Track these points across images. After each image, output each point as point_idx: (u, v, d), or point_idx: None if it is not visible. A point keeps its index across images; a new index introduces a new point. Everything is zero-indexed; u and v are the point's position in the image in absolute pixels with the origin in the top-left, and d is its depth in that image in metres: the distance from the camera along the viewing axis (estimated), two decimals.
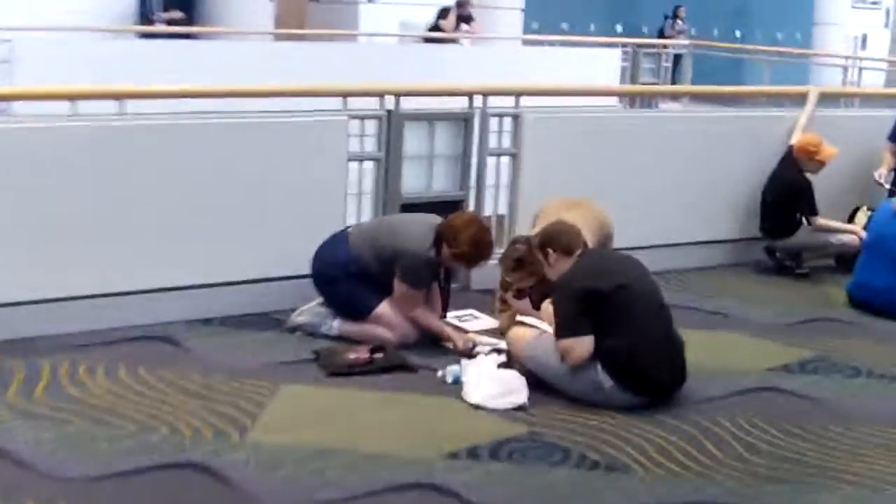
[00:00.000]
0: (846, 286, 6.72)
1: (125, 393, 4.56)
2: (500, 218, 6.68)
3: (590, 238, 5.36)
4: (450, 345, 5.33)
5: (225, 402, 4.49)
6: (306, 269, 5.53)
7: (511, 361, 4.91)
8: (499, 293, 5.75)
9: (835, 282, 7.14)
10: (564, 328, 4.65)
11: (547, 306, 4.88)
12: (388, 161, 6.19)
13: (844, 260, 7.36)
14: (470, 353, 5.22)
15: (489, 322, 5.82)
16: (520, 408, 4.60)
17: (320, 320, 5.45)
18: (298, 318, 5.49)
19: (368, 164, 6.21)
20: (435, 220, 5.39)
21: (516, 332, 4.98)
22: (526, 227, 6.08)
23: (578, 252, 4.84)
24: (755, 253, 7.53)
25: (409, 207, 6.17)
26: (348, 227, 5.64)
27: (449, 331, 5.40)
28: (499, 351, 5.15)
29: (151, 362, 4.91)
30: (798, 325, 6.21)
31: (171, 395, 4.56)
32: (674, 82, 16.85)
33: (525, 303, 5.44)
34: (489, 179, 6.61)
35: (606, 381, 4.62)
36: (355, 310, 5.38)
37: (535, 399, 4.66)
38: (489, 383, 4.66)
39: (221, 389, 4.64)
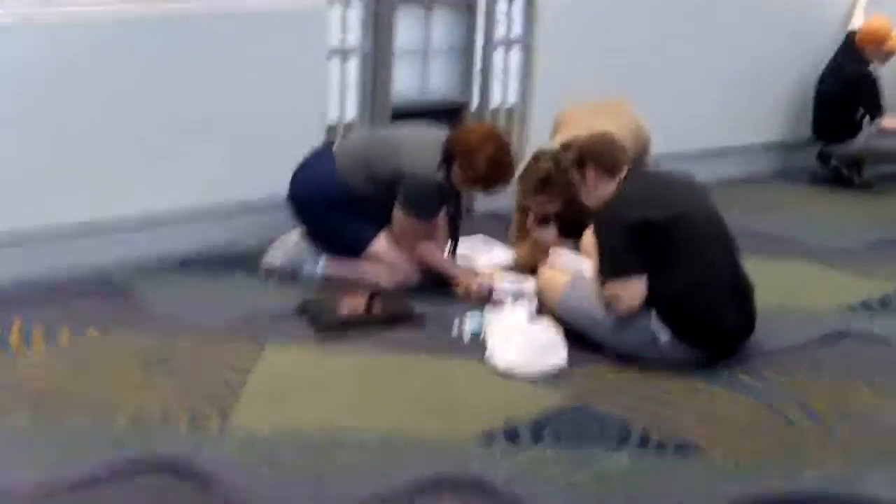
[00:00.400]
0: None
1: (72, 366, 4.14)
2: (510, 113, 6.26)
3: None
4: (460, 289, 4.95)
5: (197, 374, 4.09)
6: (281, 194, 5.10)
7: (543, 310, 4.53)
8: (516, 218, 5.36)
9: None
10: (611, 269, 4.27)
11: (589, 239, 4.49)
12: (376, 57, 5.72)
13: None
14: (487, 299, 4.85)
15: (503, 254, 5.44)
16: (559, 371, 4.24)
17: (302, 259, 5.05)
18: (276, 256, 5.07)
19: (352, 62, 5.74)
20: (440, 133, 4.96)
21: (548, 275, 4.59)
22: (541, 129, 5.73)
23: (624, 172, 4.44)
24: (806, 159, 7.18)
25: (402, 114, 5.74)
26: (332, 141, 5.19)
27: (460, 271, 5.00)
28: (522, 295, 4.78)
29: (100, 321, 4.49)
30: (869, 249, 5.88)
31: (129, 366, 4.15)
32: None
33: (550, 232, 5.07)
34: (497, 79, 6.17)
35: (663, 333, 4.26)
36: (346, 245, 4.98)
37: (575, 358, 4.29)
38: (519, 342, 4.28)
39: (191, 356, 4.23)
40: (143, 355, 4.21)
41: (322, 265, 5.02)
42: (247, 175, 5.32)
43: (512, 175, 4.93)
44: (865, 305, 5.06)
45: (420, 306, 4.75)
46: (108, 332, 4.40)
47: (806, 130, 7.08)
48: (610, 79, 6.12)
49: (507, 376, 4.19)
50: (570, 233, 5.09)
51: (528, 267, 5.19)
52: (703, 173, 6.32)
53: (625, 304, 4.24)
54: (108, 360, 4.19)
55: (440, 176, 4.81)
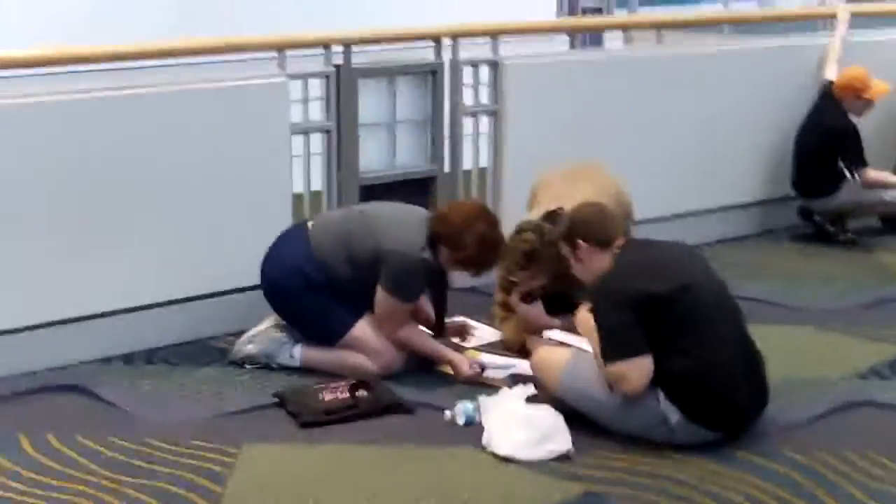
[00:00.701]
0: None
1: (33, 477, 3.78)
2: (481, 179, 6.00)
3: None
4: (447, 369, 4.65)
5: (173, 484, 3.73)
6: (253, 279, 4.79)
7: (539, 392, 4.23)
8: (499, 296, 5.07)
9: (891, 248, 6.59)
10: (614, 349, 3.98)
11: (585, 317, 4.21)
12: (341, 132, 5.44)
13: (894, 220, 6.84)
14: (477, 379, 4.55)
15: (488, 332, 5.15)
16: (562, 457, 3.93)
17: (277, 347, 4.71)
18: (248, 346, 4.74)
19: (316, 137, 5.45)
20: (423, 212, 4.70)
21: (543, 354, 4.29)
22: (514, 193, 5.53)
23: (618, 243, 4.17)
24: (787, 216, 6.95)
25: (369, 189, 5.46)
26: (306, 221, 4.89)
27: (448, 352, 4.70)
28: (517, 378, 4.49)
29: (62, 425, 4.13)
30: (866, 309, 5.63)
31: (95, 476, 3.79)
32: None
33: (536, 309, 4.81)
34: (466, 147, 5.90)
35: (672, 413, 3.97)
36: (324, 331, 4.65)
37: (579, 442, 3.98)
38: (519, 427, 3.97)
39: (163, 464, 3.88)
40: (110, 464, 3.85)
41: (299, 353, 4.69)
42: (213, 259, 5.00)
43: (502, 252, 4.65)
44: (875, 372, 4.79)
45: (407, 393, 4.44)
46: (71, 437, 4.04)
47: (785, 187, 6.86)
48: (582, 142, 5.89)
49: (507, 463, 3.88)
50: (558, 308, 4.83)
51: (516, 346, 4.93)
52: (681, 238, 6.14)
53: (632, 384, 3.95)
54: (72, 470, 3.82)
55: (426, 255, 4.51)
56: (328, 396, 4.32)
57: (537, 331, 4.78)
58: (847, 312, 5.53)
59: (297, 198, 5.34)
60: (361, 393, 4.35)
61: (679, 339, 3.95)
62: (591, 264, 4.19)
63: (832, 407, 4.37)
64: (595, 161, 5.38)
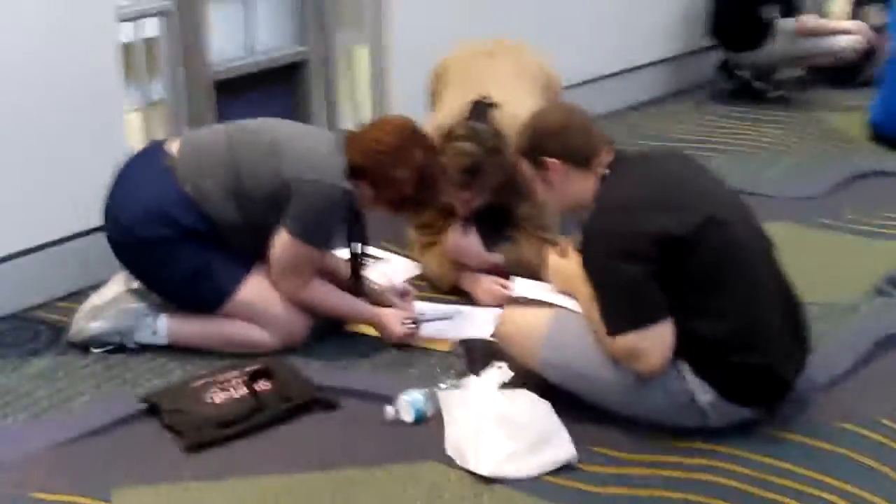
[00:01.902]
0: (869, 114, 5.21)
1: None
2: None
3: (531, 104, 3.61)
4: (367, 329, 3.50)
5: None
6: (85, 222, 3.57)
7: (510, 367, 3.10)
8: (419, 221, 3.92)
9: (827, 105, 5.64)
10: (622, 315, 2.86)
11: (564, 266, 3.09)
12: (183, 14, 4.10)
13: (827, 70, 5.88)
14: (412, 340, 3.42)
15: (402, 266, 4.00)
16: (565, 466, 2.84)
17: (133, 321, 3.44)
18: (93, 322, 3.44)
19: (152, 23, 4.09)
20: (326, 134, 3.54)
21: (514, 318, 3.13)
22: (405, 82, 4.52)
23: (604, 159, 3.03)
24: (703, 70, 5.92)
25: (225, 85, 4.17)
26: (161, 142, 3.57)
27: (372, 309, 3.51)
28: (467, 342, 3.38)
29: None
30: (843, 190, 4.70)
31: None
32: None
33: (472, 238, 3.69)
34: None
35: (702, 391, 2.90)
36: (200, 295, 3.39)
37: (577, 439, 2.89)
38: (500, 431, 2.84)
39: None
40: None
41: (164, 327, 3.43)
42: (29, 207, 3.65)
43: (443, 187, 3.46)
44: (893, 283, 3.82)
45: (322, 375, 3.26)
46: None
47: (698, 39, 5.81)
48: (484, 16, 4.75)
49: (492, 484, 2.76)
50: (492, 232, 3.72)
51: (447, 284, 3.79)
52: (591, 105, 5.07)
53: (649, 361, 2.85)
54: None
55: (348, 186, 3.28)
56: (219, 397, 3.10)
57: (473, 266, 3.68)
58: (822, 198, 4.56)
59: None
60: (263, 385, 3.15)
61: (708, 294, 2.86)
62: (567, 188, 3.06)
63: (867, 350, 3.36)
64: (502, 35, 4.22)
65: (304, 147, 3.30)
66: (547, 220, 3.76)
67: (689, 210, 2.87)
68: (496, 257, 3.74)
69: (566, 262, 3.08)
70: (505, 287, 3.66)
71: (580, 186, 3.03)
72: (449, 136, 3.57)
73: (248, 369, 3.19)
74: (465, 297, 3.75)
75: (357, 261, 3.55)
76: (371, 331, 3.50)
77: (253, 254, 3.37)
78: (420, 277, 3.90)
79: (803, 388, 3.08)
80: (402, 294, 3.64)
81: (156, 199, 3.30)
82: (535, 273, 3.41)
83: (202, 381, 3.16)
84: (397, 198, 3.31)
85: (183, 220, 3.28)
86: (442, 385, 3.10)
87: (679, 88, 5.97)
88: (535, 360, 3.02)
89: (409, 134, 3.34)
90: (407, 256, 4.02)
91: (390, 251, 4.07)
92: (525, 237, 3.80)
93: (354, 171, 3.28)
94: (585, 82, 5.35)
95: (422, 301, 3.70)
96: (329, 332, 3.50)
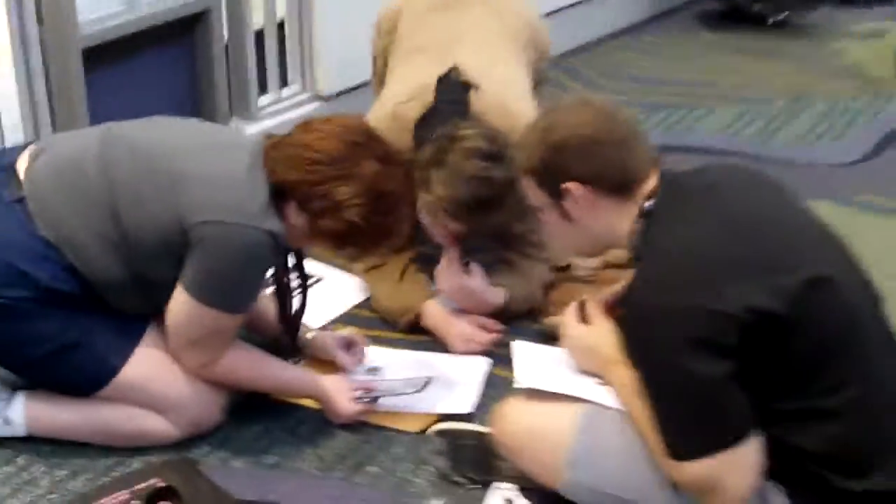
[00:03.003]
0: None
1: None
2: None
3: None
4: (308, 402, 2.55)
5: None
6: None
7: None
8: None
9: (844, 31, 4.71)
10: (692, 435, 1.91)
11: (581, 332, 2.17)
12: None
13: None
14: (366, 417, 2.48)
15: (347, 287, 3.06)
16: None
17: None
18: None
19: None
20: (240, 138, 2.52)
21: (523, 412, 2.17)
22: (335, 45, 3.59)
23: (649, 186, 2.07)
24: None
25: (98, 52, 3.11)
26: (6, 152, 2.55)
27: (314, 380, 2.51)
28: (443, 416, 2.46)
29: None
30: (879, 151, 3.76)
31: None
32: None
33: (475, 278, 2.76)
34: None
35: (778, 497, 1.97)
36: (73, 375, 2.37)
37: None
38: None
39: None
40: None
41: (21, 414, 2.43)
42: None
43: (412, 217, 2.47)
44: None
45: (250, 484, 2.31)
46: None
47: None
48: None
49: None
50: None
51: (404, 324, 2.86)
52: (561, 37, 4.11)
53: (729, 492, 1.92)
54: None
55: (272, 226, 2.27)
56: None
57: (474, 312, 2.78)
58: (863, 164, 3.64)
59: None
60: None
61: (810, 390, 1.93)
62: (593, 224, 2.12)
63: None
64: None
65: (210, 171, 2.28)
66: (543, 237, 2.81)
67: (782, 270, 1.92)
68: (498, 295, 2.80)
69: (594, 333, 2.15)
70: (488, 330, 2.74)
71: (611, 222, 2.09)
72: (452, 144, 2.57)
73: (142, 486, 2.23)
74: (430, 338, 2.83)
75: (287, 303, 2.57)
76: (310, 401, 2.55)
77: (143, 314, 2.38)
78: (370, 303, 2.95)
79: None
80: (348, 345, 2.68)
81: (2, 249, 2.29)
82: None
83: None
84: (340, 229, 2.32)
85: (40, 276, 2.27)
86: None
87: (657, 11, 4.99)
88: (557, 480, 2.10)
89: (358, 137, 2.33)
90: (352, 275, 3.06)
91: (328, 263, 3.10)
92: (528, 262, 2.87)
93: (279, 192, 2.28)
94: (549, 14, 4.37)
95: (376, 347, 2.75)
96: (252, 404, 2.54)
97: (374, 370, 2.67)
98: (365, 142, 2.30)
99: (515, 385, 2.16)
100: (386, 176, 2.29)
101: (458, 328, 2.75)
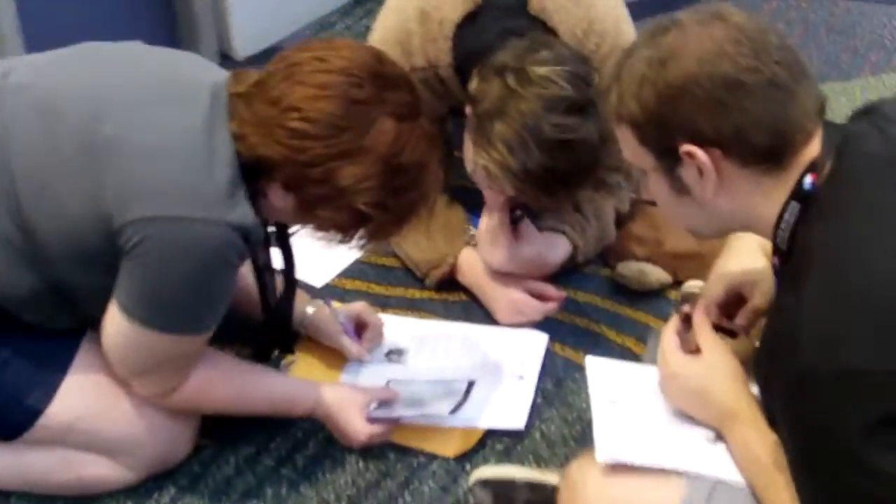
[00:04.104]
0: None
1: None
2: None
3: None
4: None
5: None
6: None
7: None
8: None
9: None
10: None
11: (685, 365, 1.49)
12: None
13: None
14: (386, 437, 1.85)
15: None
16: None
17: None
18: None
19: None
20: (199, 80, 1.66)
21: (601, 487, 1.51)
22: None
23: (812, 154, 1.33)
24: None
25: None
26: None
27: (317, 395, 1.84)
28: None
29: None
30: None
31: None
32: None
33: (533, 242, 2.05)
34: None
35: None
36: None
37: None
38: None
39: None
40: None
41: None
42: None
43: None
44: None
45: None
46: None
47: None
48: None
49: None
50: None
51: (436, 277, 2.22)
52: None
53: None
54: None
55: (241, 217, 1.56)
56: None
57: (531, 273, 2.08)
58: None
59: None
60: None
61: None
62: (724, 203, 1.38)
63: None
64: None
65: (149, 138, 1.56)
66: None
67: None
68: (560, 251, 2.12)
69: (706, 369, 1.49)
70: (544, 298, 2.06)
71: (750, 203, 1.38)
72: (522, 85, 1.82)
73: None
74: (468, 298, 2.17)
75: (268, 288, 1.89)
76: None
77: (71, 330, 1.73)
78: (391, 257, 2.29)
79: None
80: (359, 327, 2.03)
81: None
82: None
83: None
84: (345, 218, 1.63)
85: None
86: None
87: None
88: None
89: (366, 86, 1.59)
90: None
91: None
92: (599, 195, 2.17)
93: (253, 165, 1.58)
94: None
95: (396, 317, 2.09)
96: (233, 425, 1.90)
97: (394, 354, 2.03)
98: (376, 92, 1.57)
99: (598, 457, 1.48)
100: (406, 139, 1.57)
101: (505, 293, 2.07)
